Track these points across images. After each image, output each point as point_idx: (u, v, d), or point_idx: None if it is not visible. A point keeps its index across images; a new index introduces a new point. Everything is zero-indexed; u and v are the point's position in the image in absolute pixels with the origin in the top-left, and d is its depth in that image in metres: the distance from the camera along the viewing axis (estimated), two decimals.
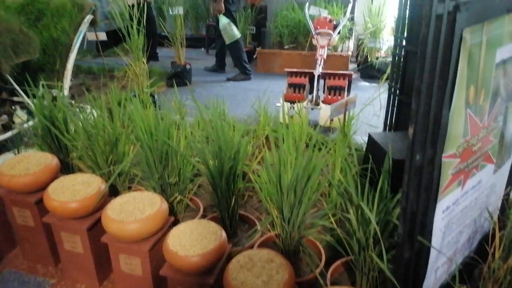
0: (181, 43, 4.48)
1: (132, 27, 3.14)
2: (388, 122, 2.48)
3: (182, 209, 1.89)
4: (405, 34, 2.25)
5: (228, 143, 1.58)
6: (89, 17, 3.01)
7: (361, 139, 2.75)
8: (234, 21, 4.69)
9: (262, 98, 3.09)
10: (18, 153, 2.26)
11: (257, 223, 1.80)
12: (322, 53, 3.44)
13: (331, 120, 3.00)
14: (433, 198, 1.08)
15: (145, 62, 3.29)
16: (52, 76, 3.01)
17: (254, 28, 5.42)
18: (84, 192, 1.59)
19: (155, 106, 3.25)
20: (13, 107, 2.78)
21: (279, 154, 1.42)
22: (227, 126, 1.68)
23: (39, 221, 1.71)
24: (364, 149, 2.65)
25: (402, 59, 2.30)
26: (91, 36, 4.46)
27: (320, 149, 1.49)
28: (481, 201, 1.37)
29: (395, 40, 2.33)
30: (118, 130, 1.84)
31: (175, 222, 1.83)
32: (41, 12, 3.03)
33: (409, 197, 1.02)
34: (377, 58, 4.63)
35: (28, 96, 2.42)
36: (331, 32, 3.56)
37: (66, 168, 2.01)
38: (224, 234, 1.45)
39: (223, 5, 4.43)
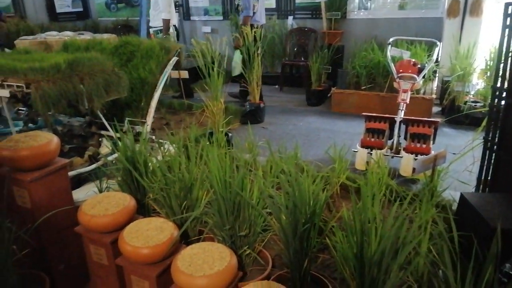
0: (257, 82, 4.55)
1: (212, 68, 3.27)
2: (482, 181, 2.21)
3: (250, 262, 1.81)
4: (505, 85, 2.02)
5: (304, 201, 1.48)
6: (174, 59, 3.17)
7: (449, 195, 2.48)
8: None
9: (336, 140, 2.97)
10: (100, 184, 2.38)
11: (330, 287, 1.65)
12: (404, 97, 3.25)
13: (414, 170, 2.77)
14: None
15: (222, 101, 3.37)
16: (137, 112, 3.19)
17: (330, 67, 5.37)
18: (156, 239, 1.59)
19: (229, 145, 3.28)
20: (100, 139, 2.99)
21: (362, 218, 1.29)
22: (303, 180, 1.59)
23: (113, 261, 1.74)
24: (452, 207, 2.38)
25: (501, 112, 2.06)
26: (175, 74, 4.74)
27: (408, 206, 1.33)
28: None
29: (493, 91, 2.10)
30: (193, 176, 1.85)
31: (243, 276, 1.76)
32: (132, 54, 3.26)
33: None
34: (465, 103, 4.28)
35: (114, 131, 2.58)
36: (415, 76, 3.36)
37: (142, 208, 2.05)
38: None
39: (241, 42, 4.64)
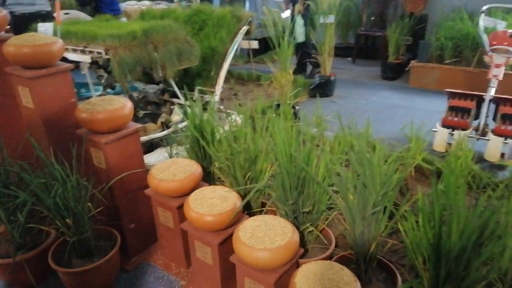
0: (328, 53, 4.35)
1: (283, 38, 3.16)
2: None
3: (312, 240, 1.75)
4: None
5: (375, 181, 1.37)
6: (245, 28, 3.11)
7: None
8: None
9: (413, 117, 2.75)
10: (171, 150, 2.46)
11: (397, 275, 1.54)
12: (496, 73, 2.88)
13: (502, 155, 2.48)
14: None
15: (291, 73, 3.27)
16: (207, 82, 3.22)
17: (411, 38, 4.95)
18: (220, 207, 1.59)
19: (296, 118, 3.19)
20: (172, 107, 3.08)
21: (439, 206, 1.16)
22: (375, 159, 1.47)
23: (178, 225, 1.79)
24: None
25: None
26: (244, 44, 4.69)
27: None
28: None
29: None
30: (259, 147, 1.81)
31: (304, 253, 1.72)
32: (204, 22, 3.26)
33: None
34: None
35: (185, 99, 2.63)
36: (511, 49, 2.94)
37: (207, 176, 2.08)
38: (358, 286, 1.26)
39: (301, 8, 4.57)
